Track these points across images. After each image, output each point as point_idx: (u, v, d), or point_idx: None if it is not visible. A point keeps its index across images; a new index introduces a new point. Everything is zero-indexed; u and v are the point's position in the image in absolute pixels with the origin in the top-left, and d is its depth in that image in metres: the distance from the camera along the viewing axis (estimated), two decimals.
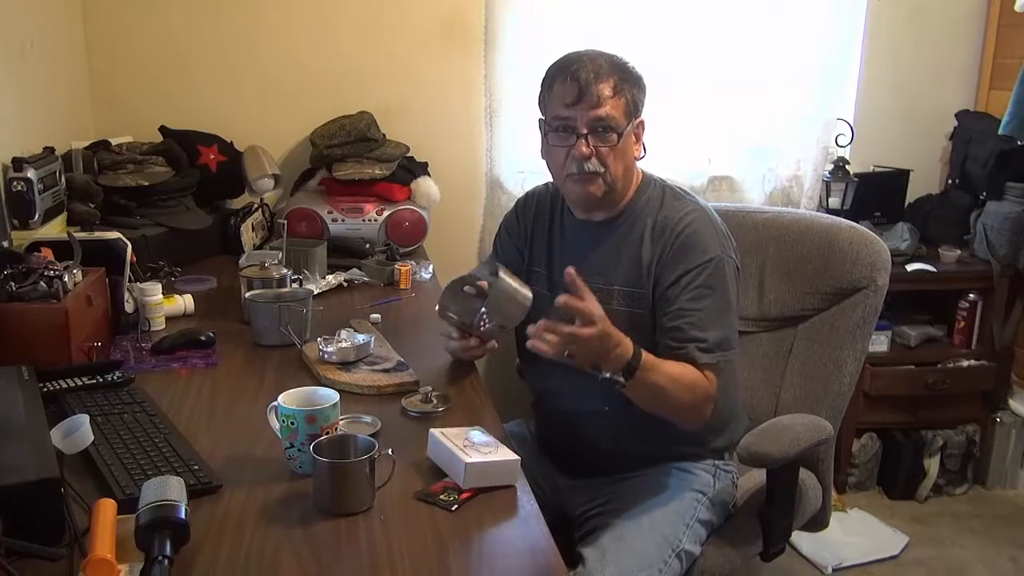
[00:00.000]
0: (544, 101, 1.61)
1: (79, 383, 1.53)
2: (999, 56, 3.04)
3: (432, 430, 1.35)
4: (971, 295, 2.93)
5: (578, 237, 1.68)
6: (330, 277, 2.23)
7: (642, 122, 1.61)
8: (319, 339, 1.73)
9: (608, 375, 1.44)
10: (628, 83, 1.56)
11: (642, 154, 1.63)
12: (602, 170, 1.55)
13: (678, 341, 1.54)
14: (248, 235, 2.48)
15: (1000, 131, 2.73)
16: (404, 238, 2.56)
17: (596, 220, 1.65)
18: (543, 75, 1.61)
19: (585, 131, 1.54)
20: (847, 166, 2.93)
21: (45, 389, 1.48)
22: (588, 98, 1.52)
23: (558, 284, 1.66)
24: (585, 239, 1.66)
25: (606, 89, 1.53)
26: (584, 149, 1.54)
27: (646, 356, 1.46)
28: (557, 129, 1.58)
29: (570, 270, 1.38)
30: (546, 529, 1.19)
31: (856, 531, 2.73)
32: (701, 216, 1.60)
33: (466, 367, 1.75)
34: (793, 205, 2.99)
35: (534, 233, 1.74)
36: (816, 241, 1.95)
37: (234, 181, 2.61)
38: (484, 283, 1.63)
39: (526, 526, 1.21)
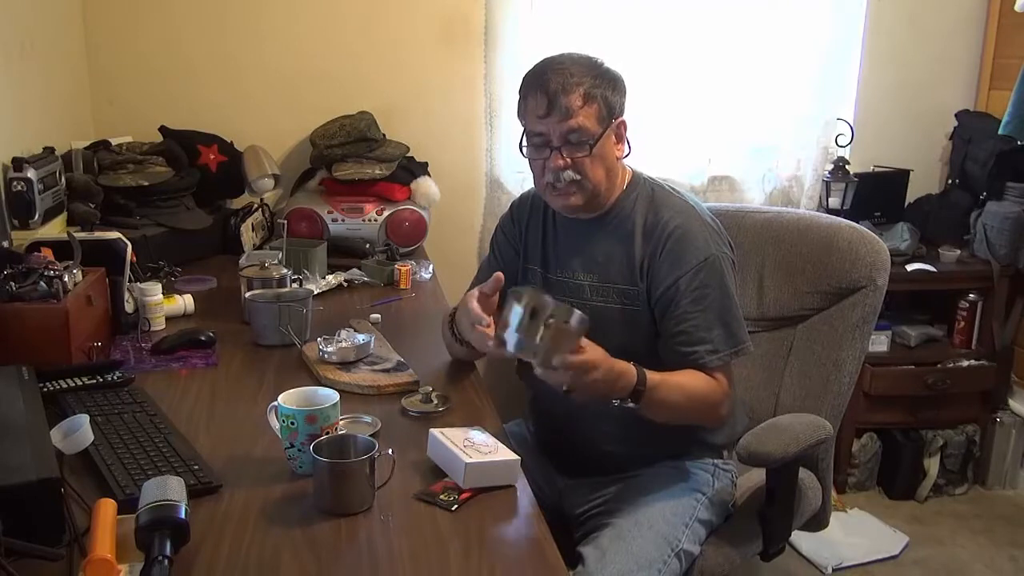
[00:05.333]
0: (521, 112, 1.60)
1: (79, 383, 1.53)
2: (999, 56, 3.04)
3: (432, 430, 1.35)
4: (971, 295, 2.93)
5: (570, 235, 1.68)
6: (330, 277, 2.23)
7: (623, 122, 1.59)
8: (319, 339, 1.73)
9: (618, 403, 1.46)
10: (601, 86, 1.54)
11: (626, 152, 1.62)
12: (579, 178, 1.55)
13: (685, 346, 1.55)
14: (248, 235, 2.48)
15: (1000, 131, 2.73)
16: (404, 238, 2.56)
17: (585, 218, 1.65)
18: (520, 85, 1.59)
19: (558, 144, 1.53)
20: (847, 166, 2.93)
21: (45, 389, 1.48)
22: (558, 111, 1.51)
23: (552, 280, 1.68)
24: (577, 236, 1.66)
25: (576, 100, 1.51)
26: (559, 161, 1.53)
27: (651, 376, 1.47)
28: (533, 143, 1.57)
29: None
30: (546, 529, 1.19)
31: (856, 531, 2.73)
32: (691, 215, 1.60)
33: (466, 367, 1.75)
34: (793, 205, 3.00)
35: (528, 232, 1.74)
36: (816, 241, 1.95)
37: (234, 181, 2.61)
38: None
39: (526, 526, 1.21)
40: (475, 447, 1.31)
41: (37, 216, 1.97)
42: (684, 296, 1.54)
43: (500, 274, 1.54)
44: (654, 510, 1.57)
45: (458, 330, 1.66)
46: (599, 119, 1.54)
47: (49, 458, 1.13)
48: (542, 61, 1.57)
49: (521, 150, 1.61)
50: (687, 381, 1.52)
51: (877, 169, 3.08)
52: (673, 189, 1.66)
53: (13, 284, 1.58)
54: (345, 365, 1.68)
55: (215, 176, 2.55)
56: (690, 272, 1.54)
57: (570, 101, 1.51)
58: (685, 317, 1.54)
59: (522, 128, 1.61)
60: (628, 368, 1.45)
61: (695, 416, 1.59)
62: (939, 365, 2.90)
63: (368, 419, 1.47)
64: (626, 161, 1.65)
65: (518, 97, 1.59)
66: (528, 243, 1.74)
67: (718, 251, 1.57)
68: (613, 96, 1.56)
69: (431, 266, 2.41)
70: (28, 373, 1.42)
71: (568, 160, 1.54)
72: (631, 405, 1.46)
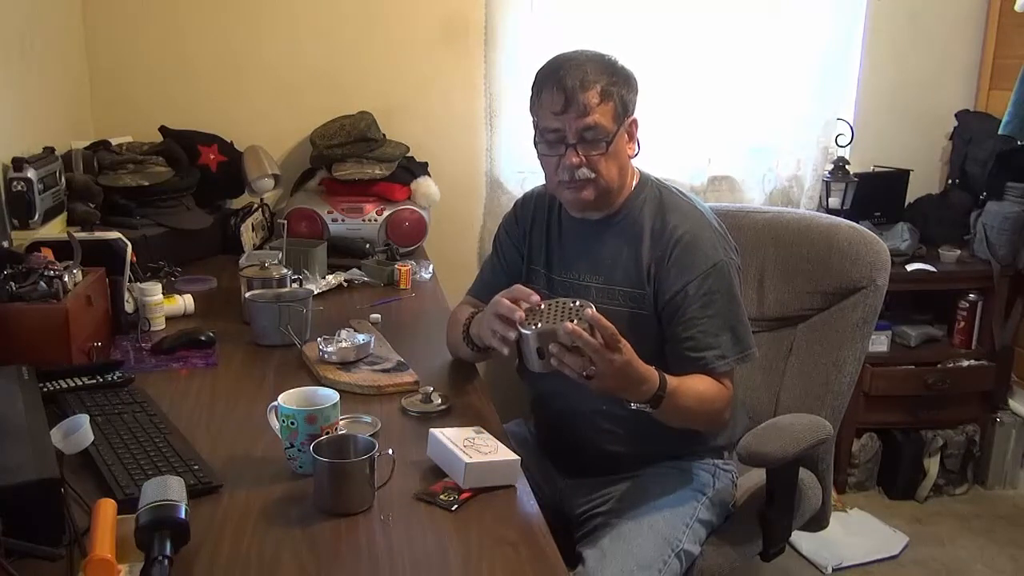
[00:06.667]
0: (534, 108, 1.59)
1: (79, 383, 1.53)
2: (999, 56, 3.04)
3: (432, 430, 1.35)
4: (971, 295, 2.93)
5: (576, 235, 1.68)
6: (330, 277, 2.23)
7: (635, 120, 1.60)
8: (319, 339, 1.73)
9: (635, 406, 1.46)
10: (617, 85, 1.54)
11: (636, 151, 1.62)
12: (593, 176, 1.55)
13: (694, 351, 1.55)
14: (248, 235, 2.48)
15: (1000, 131, 2.73)
16: (404, 238, 2.56)
17: (592, 218, 1.65)
18: (533, 80, 1.59)
19: (574, 140, 1.53)
20: (847, 166, 2.93)
21: (45, 389, 1.48)
22: (575, 107, 1.51)
23: (556, 282, 1.67)
24: (583, 237, 1.66)
25: (593, 97, 1.51)
26: (574, 159, 1.53)
27: (671, 381, 1.47)
28: (547, 139, 1.57)
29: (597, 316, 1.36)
30: (546, 529, 1.19)
31: (856, 531, 2.73)
32: (699, 220, 1.60)
33: (466, 367, 1.75)
34: (793, 205, 2.99)
35: (532, 232, 1.74)
36: (816, 241, 1.95)
37: (234, 181, 2.61)
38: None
39: (526, 526, 1.21)
40: (475, 447, 1.31)
41: (37, 216, 1.97)
42: (692, 302, 1.54)
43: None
44: (654, 510, 1.57)
45: (474, 333, 1.64)
46: (615, 117, 1.54)
47: (49, 458, 1.13)
48: (556, 57, 1.57)
49: (536, 147, 1.60)
50: (699, 386, 1.53)
51: (877, 169, 3.08)
52: (681, 192, 1.66)
53: (13, 284, 1.58)
54: (345, 365, 1.68)
55: (215, 176, 2.55)
56: (698, 278, 1.54)
57: (587, 98, 1.51)
58: (693, 323, 1.54)
59: (533, 124, 1.60)
60: (652, 372, 1.45)
61: (702, 421, 1.60)
62: (939, 365, 2.90)
63: (368, 419, 1.47)
64: (632, 162, 1.65)
65: (530, 93, 1.59)
66: (532, 244, 1.74)
67: (726, 257, 1.57)
68: (628, 95, 1.56)
69: (431, 266, 2.41)
70: (28, 373, 1.42)
71: (583, 158, 1.53)
72: (648, 410, 1.46)
